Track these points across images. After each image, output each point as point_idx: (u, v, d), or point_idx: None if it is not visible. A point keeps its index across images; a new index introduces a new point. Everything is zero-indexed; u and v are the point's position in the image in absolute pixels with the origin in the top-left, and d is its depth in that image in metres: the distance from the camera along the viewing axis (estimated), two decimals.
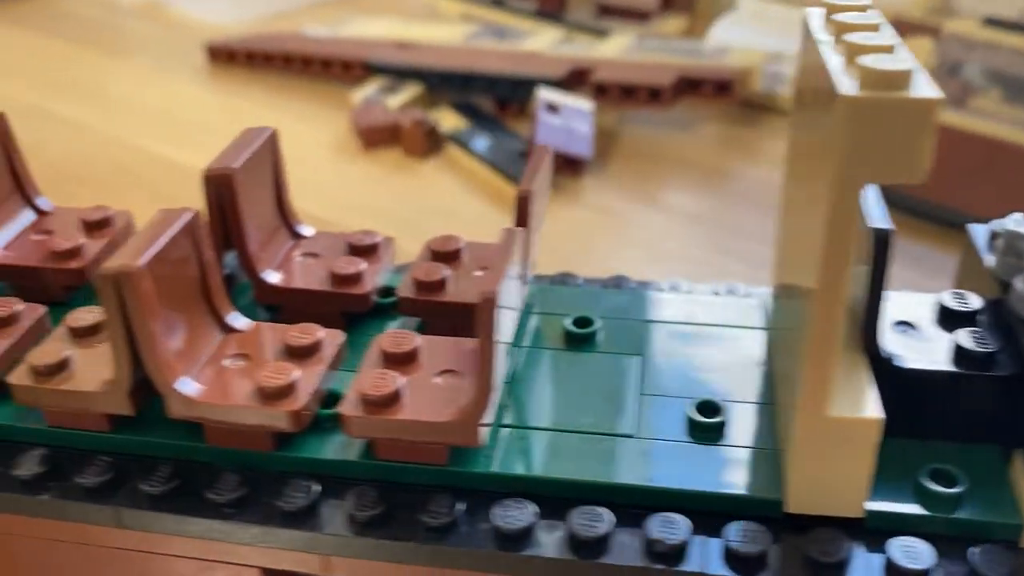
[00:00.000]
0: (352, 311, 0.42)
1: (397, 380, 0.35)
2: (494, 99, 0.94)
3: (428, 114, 0.90)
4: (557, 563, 0.33)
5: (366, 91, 0.95)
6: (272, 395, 0.35)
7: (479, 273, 0.43)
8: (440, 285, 0.42)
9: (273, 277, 0.42)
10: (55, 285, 0.44)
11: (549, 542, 0.33)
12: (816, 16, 0.34)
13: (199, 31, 1.22)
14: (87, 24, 1.27)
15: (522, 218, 0.38)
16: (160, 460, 0.37)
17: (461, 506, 0.34)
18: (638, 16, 1.14)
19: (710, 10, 1.16)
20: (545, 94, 0.86)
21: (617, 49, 0.96)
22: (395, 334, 0.37)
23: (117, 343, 0.34)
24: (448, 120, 0.91)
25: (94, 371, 0.37)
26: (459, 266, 0.43)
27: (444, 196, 0.83)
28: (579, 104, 0.87)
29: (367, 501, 0.34)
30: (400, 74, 0.97)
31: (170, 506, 0.35)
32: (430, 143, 0.88)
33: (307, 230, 0.45)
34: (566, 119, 0.85)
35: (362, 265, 0.42)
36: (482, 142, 0.86)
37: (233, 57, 1.07)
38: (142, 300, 0.33)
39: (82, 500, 0.36)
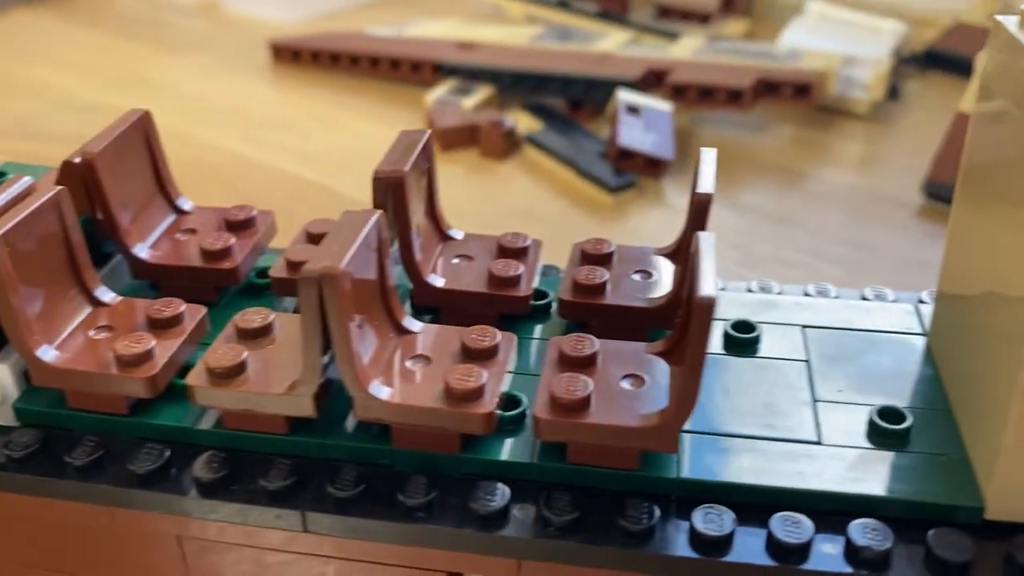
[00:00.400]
0: (510, 313, 0.42)
1: (588, 384, 0.35)
2: (567, 100, 0.94)
3: (505, 115, 0.89)
4: (759, 570, 0.33)
5: (439, 92, 0.95)
6: (462, 397, 0.35)
7: (637, 277, 0.42)
8: (600, 288, 0.41)
9: (436, 280, 0.42)
10: (206, 285, 0.44)
11: (750, 549, 0.33)
12: (1013, 24, 0.34)
13: (257, 29, 1.21)
14: (141, 21, 1.27)
15: (700, 222, 0.38)
16: (340, 463, 0.36)
17: (657, 511, 0.34)
18: (699, 18, 1.14)
19: (769, 13, 1.16)
20: (625, 95, 0.86)
21: (689, 51, 0.96)
22: (576, 338, 0.37)
23: (311, 345, 0.34)
24: (523, 121, 0.91)
25: (269, 373, 0.37)
26: (612, 268, 0.43)
27: (523, 197, 0.82)
28: (659, 105, 0.87)
29: (561, 505, 0.34)
30: (471, 75, 0.97)
31: (359, 510, 0.35)
32: (507, 144, 0.87)
33: (457, 233, 0.45)
34: (646, 120, 0.85)
35: (519, 268, 0.42)
36: (560, 143, 0.86)
37: (298, 56, 1.07)
38: (343, 303, 0.33)
39: (266, 504, 0.35)
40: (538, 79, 0.94)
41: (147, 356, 0.37)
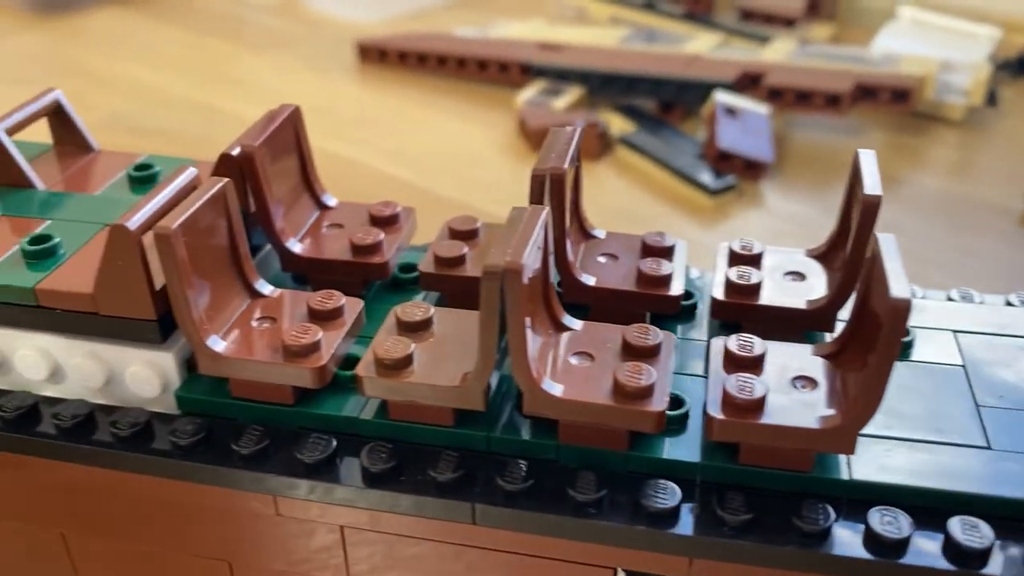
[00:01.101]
0: (660, 313, 0.42)
1: (762, 385, 0.34)
2: (658, 102, 0.94)
3: (598, 116, 0.89)
4: (937, 574, 0.32)
5: (528, 93, 0.95)
6: (633, 395, 0.35)
7: (788, 278, 0.42)
8: (755, 289, 0.41)
9: (587, 279, 0.42)
10: (354, 279, 0.44)
11: (927, 552, 0.33)
12: None
13: (338, 29, 1.23)
14: (221, 18, 1.29)
15: (868, 224, 0.38)
16: (504, 457, 0.37)
17: (832, 513, 0.34)
18: (782, 22, 1.13)
19: (855, 18, 1.15)
20: (722, 97, 0.86)
21: (781, 55, 0.95)
22: (742, 338, 0.37)
23: (489, 339, 0.34)
24: (614, 122, 0.91)
25: (434, 366, 0.37)
26: (762, 270, 0.43)
27: (620, 198, 0.82)
28: (756, 108, 0.86)
29: (735, 505, 0.34)
30: (560, 76, 0.97)
31: (529, 503, 0.35)
32: (601, 145, 0.87)
33: (599, 232, 0.45)
34: (744, 123, 0.84)
35: (669, 267, 0.42)
36: (655, 144, 0.86)
37: (384, 56, 1.08)
38: (522, 298, 0.33)
39: (435, 495, 0.36)
40: (628, 80, 0.94)
41: (315, 347, 0.37)
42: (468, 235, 0.46)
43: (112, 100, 1.03)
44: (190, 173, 0.40)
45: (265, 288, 0.41)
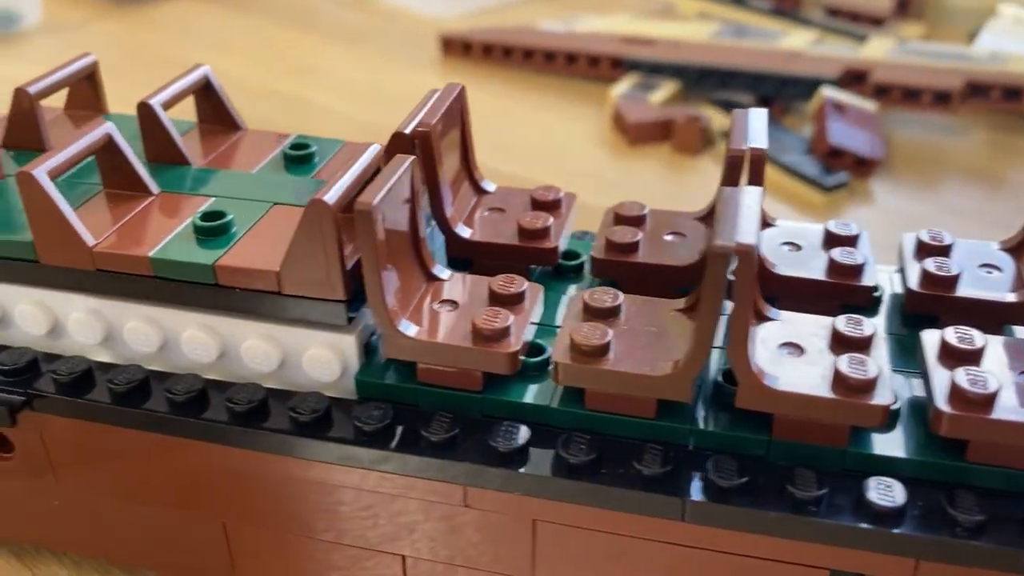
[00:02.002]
0: (855, 304, 0.40)
1: (994, 380, 0.33)
2: (756, 97, 0.92)
3: (700, 111, 0.88)
4: None
5: (622, 87, 0.93)
6: (857, 388, 0.33)
7: (984, 270, 0.40)
8: (954, 281, 0.39)
9: (782, 271, 0.40)
10: (520, 264, 0.43)
11: None
12: None
13: (416, 22, 1.21)
14: (294, 10, 1.28)
15: None
16: (708, 451, 0.35)
17: None
18: (869, 20, 1.11)
19: (944, 17, 1.13)
20: (831, 93, 0.84)
21: (883, 52, 0.93)
22: (960, 331, 0.35)
23: (709, 326, 0.33)
24: (715, 117, 0.89)
25: (631, 353, 0.35)
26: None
27: None
28: (864, 105, 0.84)
29: (968, 505, 0.32)
30: (653, 70, 0.95)
31: (744, 500, 0.33)
32: (703, 140, 0.86)
33: (783, 222, 0.44)
34: (853, 119, 0.82)
35: (861, 258, 0.40)
36: None
37: (469, 49, 1.06)
38: (753, 280, 0.32)
39: (641, 489, 0.34)
40: (725, 75, 0.92)
41: (506, 332, 0.36)
42: (636, 221, 0.44)
43: None
44: (374, 150, 0.38)
45: (441, 272, 0.39)
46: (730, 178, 0.38)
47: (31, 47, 1.16)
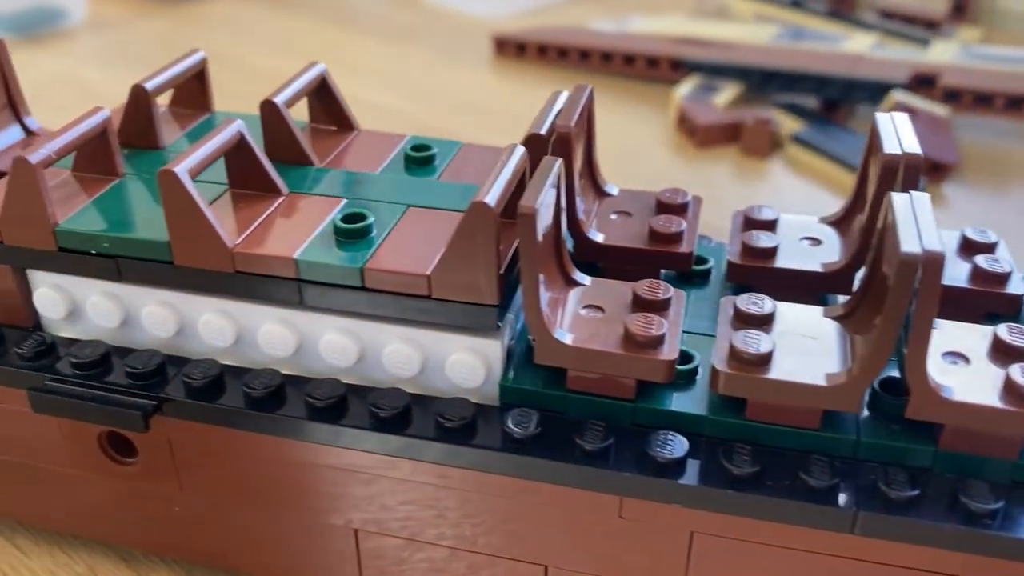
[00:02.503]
0: (998, 312, 0.40)
1: None
2: (821, 100, 0.91)
3: (771, 114, 0.87)
4: None
5: (685, 89, 0.93)
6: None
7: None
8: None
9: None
10: (653, 269, 0.42)
11: None
12: None
13: (465, 22, 1.21)
14: (339, 9, 1.27)
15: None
16: (873, 463, 0.34)
17: None
18: (924, 23, 1.10)
19: (1001, 21, 1.12)
20: (901, 97, 0.83)
21: (949, 56, 0.92)
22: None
23: (889, 337, 0.32)
24: (782, 120, 0.88)
25: (794, 362, 0.34)
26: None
27: (799, 197, 0.80)
28: (935, 109, 0.84)
29: None
30: (715, 72, 0.95)
31: (918, 512, 0.32)
32: (772, 143, 0.85)
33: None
34: (924, 124, 0.81)
35: (1008, 266, 0.40)
36: (830, 143, 0.83)
37: (523, 50, 1.05)
38: (937, 288, 0.31)
39: (812, 502, 0.33)
40: (789, 78, 0.91)
41: (661, 339, 0.35)
42: (769, 225, 0.43)
43: (254, 87, 1.01)
44: (520, 152, 0.37)
45: (581, 276, 0.38)
46: (887, 183, 0.37)
47: (77, 44, 1.15)
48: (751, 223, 0.43)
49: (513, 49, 1.06)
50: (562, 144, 0.39)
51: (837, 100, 0.90)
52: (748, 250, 0.41)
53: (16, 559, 0.46)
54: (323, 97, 0.47)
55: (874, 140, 0.41)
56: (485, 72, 1.06)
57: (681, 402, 0.36)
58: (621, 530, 0.36)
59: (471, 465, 0.36)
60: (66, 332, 0.42)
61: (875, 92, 0.88)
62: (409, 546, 0.40)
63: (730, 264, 0.41)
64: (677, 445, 0.35)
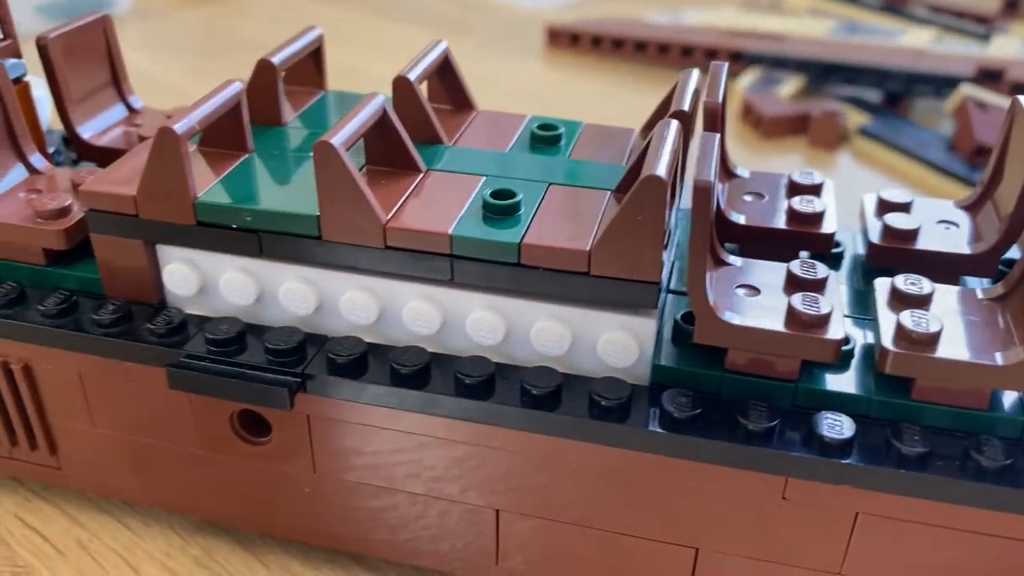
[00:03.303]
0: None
1: None
2: (883, 94, 0.91)
3: (839, 106, 0.86)
4: None
5: (746, 81, 0.92)
6: None
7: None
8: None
9: None
10: (793, 251, 0.41)
11: None
12: None
13: (513, 14, 1.20)
14: (393, 1, 1.26)
15: None
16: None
17: None
18: (977, 19, 1.10)
19: None
20: (971, 91, 0.83)
21: (1013, 50, 0.92)
22: None
23: None
24: (847, 113, 0.88)
25: (957, 343, 0.34)
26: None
27: (868, 190, 0.79)
28: (1004, 103, 0.83)
29: None
30: (776, 64, 0.94)
31: None
32: (838, 135, 0.84)
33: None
34: (995, 117, 0.81)
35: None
36: (899, 136, 0.82)
37: (576, 41, 1.05)
38: None
39: (985, 481, 0.33)
40: (852, 71, 0.91)
41: (827, 318, 0.34)
42: (905, 207, 0.43)
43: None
44: (676, 127, 0.37)
45: (730, 256, 0.38)
46: None
47: (124, 32, 1.14)
48: (887, 205, 0.43)
49: (566, 40, 1.06)
50: (713, 120, 0.39)
51: (900, 94, 0.90)
52: (890, 232, 0.41)
53: (130, 540, 0.45)
54: (445, 75, 0.46)
55: (1014, 124, 0.40)
56: (538, 63, 1.05)
57: (843, 382, 0.36)
58: (782, 511, 0.35)
59: (629, 445, 0.35)
60: (193, 309, 0.41)
61: (939, 86, 0.87)
62: (548, 526, 0.39)
63: (872, 246, 0.41)
64: (845, 425, 0.34)
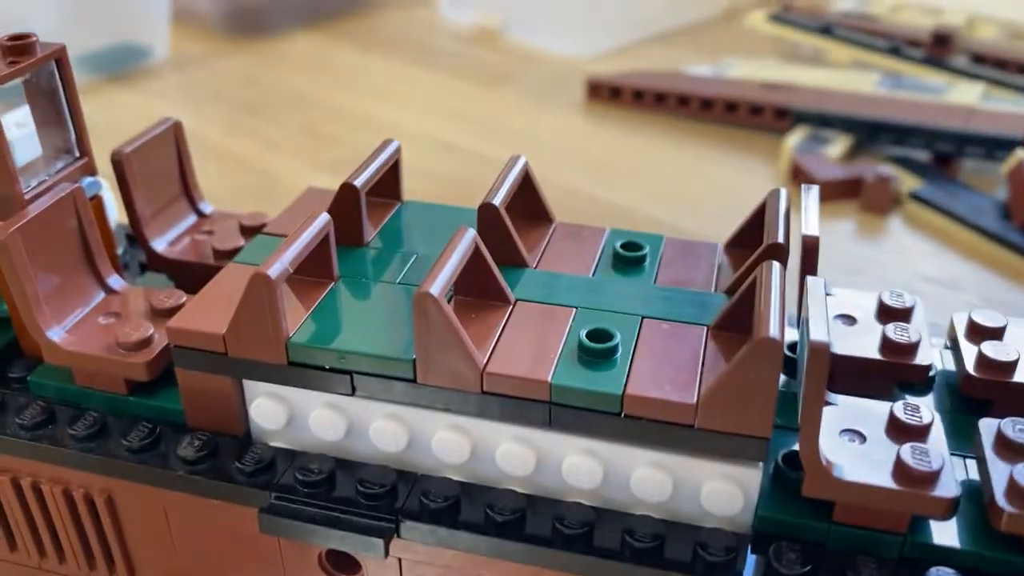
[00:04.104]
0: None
1: None
2: (933, 155, 0.90)
3: (890, 169, 0.85)
4: None
5: (795, 139, 0.91)
6: None
7: None
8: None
9: None
10: (886, 382, 0.40)
11: None
12: None
13: (552, 64, 1.20)
14: (421, 49, 1.26)
15: None
16: None
17: None
18: (1015, 68, 1.09)
19: None
20: None
21: None
22: None
23: None
24: (899, 176, 0.87)
25: None
26: None
27: (921, 256, 0.78)
28: None
29: None
30: (822, 122, 0.93)
31: None
32: (892, 200, 0.84)
33: None
34: None
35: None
36: (952, 202, 0.82)
37: (617, 94, 1.04)
38: None
39: None
40: (901, 131, 0.90)
41: (937, 475, 0.33)
42: (998, 333, 0.42)
43: (351, 132, 1.00)
44: (779, 270, 0.36)
45: (830, 395, 0.37)
46: None
47: (161, 82, 1.14)
48: (979, 330, 0.42)
49: (607, 93, 1.05)
50: (812, 256, 0.38)
51: (950, 155, 0.89)
52: (986, 363, 0.40)
53: None
54: (525, 190, 0.45)
55: None
56: (578, 116, 1.05)
57: (953, 536, 0.35)
58: None
59: None
60: (278, 441, 0.40)
61: (991, 147, 0.86)
62: None
63: (967, 377, 0.40)
64: None
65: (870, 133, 0.91)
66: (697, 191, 0.88)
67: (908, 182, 0.86)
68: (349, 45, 1.27)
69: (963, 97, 0.95)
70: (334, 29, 1.32)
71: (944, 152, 0.89)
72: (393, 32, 1.32)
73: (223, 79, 1.16)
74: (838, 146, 0.90)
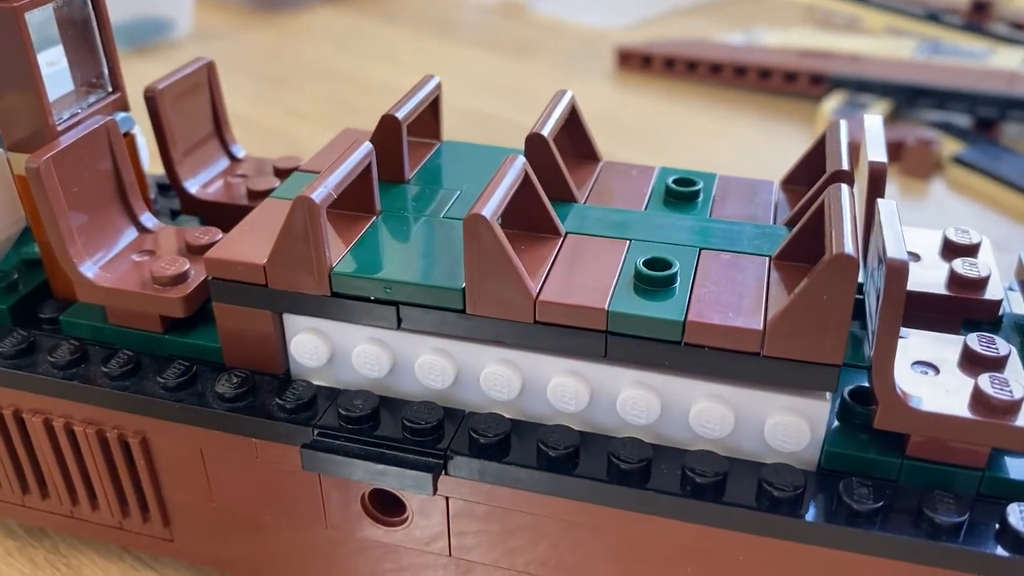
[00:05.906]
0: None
1: None
2: (974, 119, 0.88)
3: (933, 133, 0.83)
4: None
5: (832, 104, 0.89)
6: None
7: None
8: None
9: None
10: (954, 318, 0.39)
11: None
12: None
13: (579, 34, 1.18)
14: (445, 22, 1.24)
15: None
16: None
17: None
18: None
19: None
20: None
21: None
22: None
23: None
24: (940, 140, 0.85)
25: None
26: None
27: (965, 220, 0.76)
28: None
29: None
30: (860, 87, 0.91)
31: None
32: (933, 164, 0.81)
33: None
34: None
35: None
36: (996, 165, 0.79)
37: (648, 63, 1.02)
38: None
39: None
40: (942, 95, 0.88)
41: (1019, 404, 0.32)
42: None
43: (378, 102, 0.98)
44: (848, 193, 0.34)
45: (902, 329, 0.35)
46: None
47: (185, 55, 1.13)
48: None
49: (638, 62, 1.03)
50: (878, 183, 0.36)
51: (992, 119, 0.87)
52: None
53: None
54: (571, 126, 0.44)
55: None
56: (608, 85, 1.03)
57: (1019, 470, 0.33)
58: None
59: (805, 540, 0.33)
60: (320, 380, 0.39)
61: None
62: None
63: None
64: None
65: (909, 98, 0.89)
66: (732, 157, 0.86)
67: (949, 146, 0.84)
68: (373, 19, 1.25)
69: (1005, 62, 0.92)
70: (358, 3, 1.31)
71: (986, 116, 0.87)
72: (417, 5, 1.31)
73: (247, 52, 1.14)
74: (877, 111, 0.88)
